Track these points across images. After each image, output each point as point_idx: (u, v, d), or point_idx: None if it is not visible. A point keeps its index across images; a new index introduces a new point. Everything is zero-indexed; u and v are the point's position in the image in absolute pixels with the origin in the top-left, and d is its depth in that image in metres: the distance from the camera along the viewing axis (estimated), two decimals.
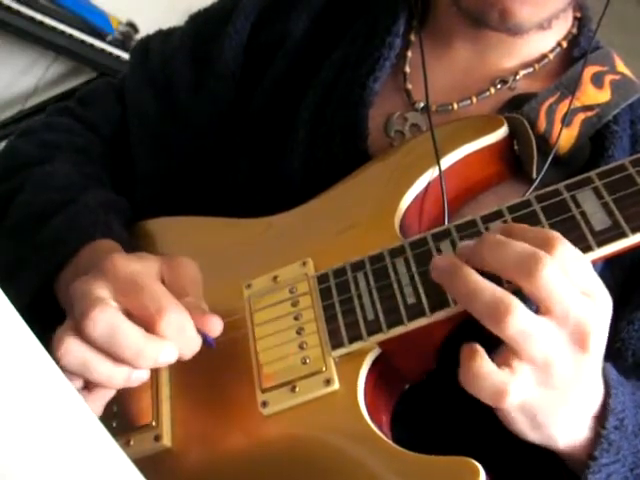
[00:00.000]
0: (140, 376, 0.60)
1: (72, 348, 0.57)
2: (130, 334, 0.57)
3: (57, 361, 0.57)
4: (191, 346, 0.60)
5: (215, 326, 0.62)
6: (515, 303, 0.53)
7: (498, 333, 0.53)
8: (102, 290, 0.59)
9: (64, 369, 0.58)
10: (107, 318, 0.57)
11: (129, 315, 0.59)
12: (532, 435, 0.59)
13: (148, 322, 0.58)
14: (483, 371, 0.53)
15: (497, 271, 0.55)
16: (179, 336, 0.59)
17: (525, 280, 0.53)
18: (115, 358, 0.58)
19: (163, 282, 0.62)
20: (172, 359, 0.59)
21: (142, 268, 0.61)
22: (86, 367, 0.58)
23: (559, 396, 0.56)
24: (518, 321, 0.52)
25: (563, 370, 0.54)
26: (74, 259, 0.72)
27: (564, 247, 0.54)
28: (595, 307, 0.54)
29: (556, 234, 0.55)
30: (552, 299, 0.53)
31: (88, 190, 0.80)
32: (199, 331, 0.61)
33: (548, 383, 0.55)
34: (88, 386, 0.61)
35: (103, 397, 0.62)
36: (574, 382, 0.56)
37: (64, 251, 0.73)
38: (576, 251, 0.55)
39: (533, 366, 0.54)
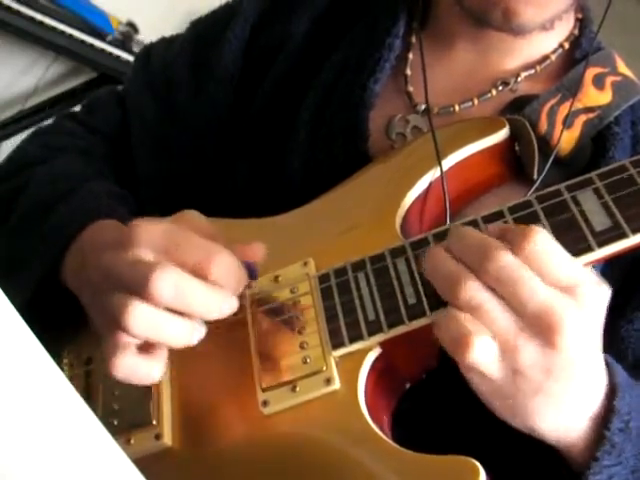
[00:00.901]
0: (200, 332, 0.61)
1: (141, 312, 0.57)
2: (196, 289, 0.58)
3: (123, 328, 0.57)
4: (241, 281, 0.62)
5: (258, 251, 0.64)
6: (466, 275, 0.55)
7: (455, 304, 0.56)
8: (148, 254, 0.59)
9: (133, 334, 0.58)
10: (171, 279, 0.57)
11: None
12: (516, 423, 0.59)
13: (199, 271, 0.59)
14: (454, 314, 0.55)
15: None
16: (229, 276, 0.60)
17: (478, 269, 0.55)
18: (185, 314, 0.59)
19: None
20: (234, 308, 0.61)
21: (168, 224, 0.62)
22: (157, 328, 0.58)
23: (532, 386, 0.55)
24: (467, 290, 0.55)
25: (529, 357, 0.54)
26: (78, 242, 0.72)
27: (539, 237, 0.55)
28: (572, 303, 0.54)
29: (535, 227, 0.56)
30: (505, 288, 0.54)
31: (91, 181, 0.80)
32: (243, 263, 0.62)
33: (514, 367, 0.55)
34: (145, 349, 0.61)
35: (163, 357, 0.61)
36: (549, 375, 0.55)
37: (67, 233, 0.72)
38: (554, 243, 0.56)
39: (496, 339, 0.54)
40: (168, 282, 0.57)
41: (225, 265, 0.59)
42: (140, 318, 0.57)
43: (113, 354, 0.59)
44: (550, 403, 0.57)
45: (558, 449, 0.61)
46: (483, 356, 0.54)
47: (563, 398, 0.57)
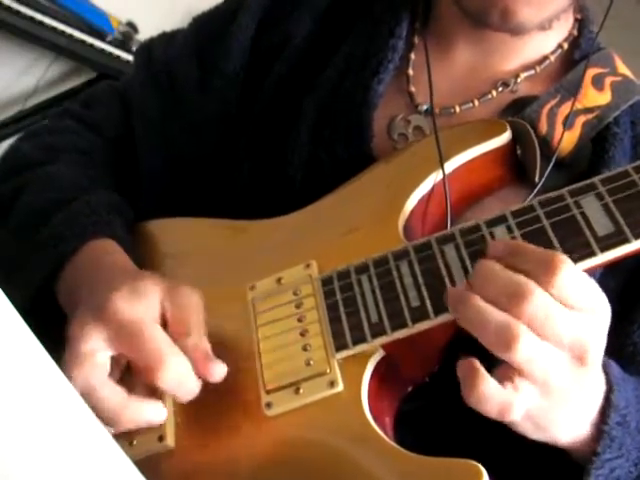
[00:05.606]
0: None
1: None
2: (108, 398, 0.59)
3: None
4: (190, 393, 0.62)
5: (217, 373, 0.62)
6: (522, 330, 0.54)
7: (506, 359, 0.54)
8: (96, 339, 0.60)
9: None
10: (85, 379, 0.58)
11: (129, 362, 0.60)
12: (535, 436, 0.60)
13: (148, 373, 0.59)
14: (488, 392, 0.54)
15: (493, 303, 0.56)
16: (179, 386, 0.60)
17: (515, 312, 0.54)
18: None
19: (165, 319, 0.63)
20: (160, 419, 0.62)
21: (143, 313, 0.61)
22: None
23: (559, 402, 0.57)
24: (524, 348, 0.54)
25: (561, 382, 0.56)
26: (73, 258, 0.72)
27: (565, 269, 0.55)
28: (593, 321, 0.56)
29: (558, 256, 0.56)
30: (544, 328, 0.54)
31: (90, 191, 0.80)
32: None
33: (548, 393, 0.56)
34: None
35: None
36: (573, 389, 0.57)
37: (64, 250, 0.72)
38: (577, 271, 0.56)
39: (535, 383, 0.55)
40: (80, 382, 0.58)
41: (175, 373, 0.60)
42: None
43: None
44: (572, 411, 0.58)
45: (565, 448, 0.62)
46: (524, 410, 0.55)
47: (581, 404, 0.59)
